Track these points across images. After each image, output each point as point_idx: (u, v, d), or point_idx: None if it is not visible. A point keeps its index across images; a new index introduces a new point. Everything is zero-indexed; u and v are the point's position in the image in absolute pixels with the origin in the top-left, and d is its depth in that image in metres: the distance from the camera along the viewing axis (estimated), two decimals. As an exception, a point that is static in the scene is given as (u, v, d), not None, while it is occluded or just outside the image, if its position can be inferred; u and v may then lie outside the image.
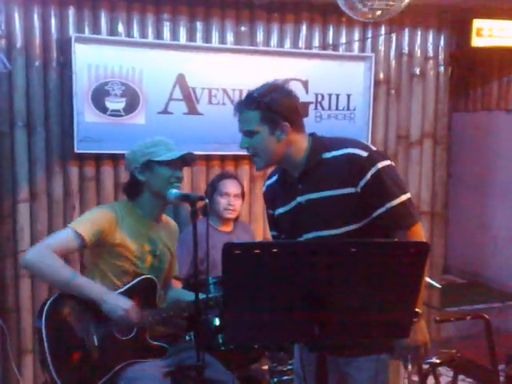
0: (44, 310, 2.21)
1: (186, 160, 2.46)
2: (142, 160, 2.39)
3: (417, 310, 1.86)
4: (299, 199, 1.95)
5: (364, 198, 1.85)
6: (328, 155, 1.91)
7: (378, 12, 2.17)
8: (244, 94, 3.38)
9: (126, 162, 2.52)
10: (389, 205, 1.84)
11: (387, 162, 1.88)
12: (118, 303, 2.22)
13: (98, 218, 2.34)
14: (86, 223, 2.31)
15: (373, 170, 1.83)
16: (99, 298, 2.22)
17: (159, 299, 2.44)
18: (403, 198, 1.86)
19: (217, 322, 2.69)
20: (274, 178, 2.10)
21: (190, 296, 2.49)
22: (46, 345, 2.15)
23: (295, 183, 1.96)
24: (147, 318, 2.29)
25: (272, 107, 1.88)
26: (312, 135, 1.99)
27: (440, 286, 3.52)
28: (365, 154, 1.86)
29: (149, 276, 2.39)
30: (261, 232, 3.63)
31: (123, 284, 2.35)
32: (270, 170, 2.20)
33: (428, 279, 2.94)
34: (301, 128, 1.96)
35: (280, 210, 2.04)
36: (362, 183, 1.84)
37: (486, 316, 3.05)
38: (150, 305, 2.37)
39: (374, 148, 1.92)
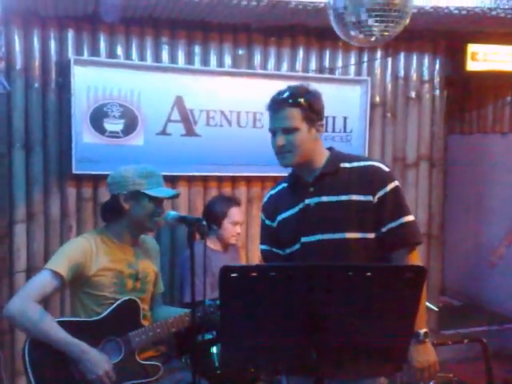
0: (27, 343, 2.20)
1: (170, 198, 2.48)
2: (131, 188, 2.35)
3: (425, 330, 1.91)
4: (307, 201, 1.98)
5: (379, 209, 1.92)
6: (347, 165, 1.98)
7: (374, 38, 2.20)
8: (241, 116, 3.50)
9: (110, 182, 2.44)
10: (402, 220, 1.93)
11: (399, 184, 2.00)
12: (97, 364, 2.17)
13: (72, 252, 2.31)
14: (62, 260, 2.28)
15: (392, 185, 1.94)
16: (77, 356, 2.17)
17: (144, 319, 2.39)
18: (412, 217, 1.97)
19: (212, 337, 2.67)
20: (281, 186, 2.13)
21: (179, 312, 2.46)
22: (31, 378, 2.15)
23: (306, 186, 1.99)
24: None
25: (312, 106, 1.94)
26: (331, 149, 2.06)
27: (437, 309, 3.50)
28: (387, 169, 1.99)
29: (129, 297, 2.36)
30: (257, 253, 3.62)
31: (104, 310, 2.32)
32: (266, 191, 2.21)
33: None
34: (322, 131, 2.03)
35: (283, 215, 2.05)
36: (380, 194, 1.92)
37: (483, 339, 3.03)
38: (135, 325, 2.33)
39: None
